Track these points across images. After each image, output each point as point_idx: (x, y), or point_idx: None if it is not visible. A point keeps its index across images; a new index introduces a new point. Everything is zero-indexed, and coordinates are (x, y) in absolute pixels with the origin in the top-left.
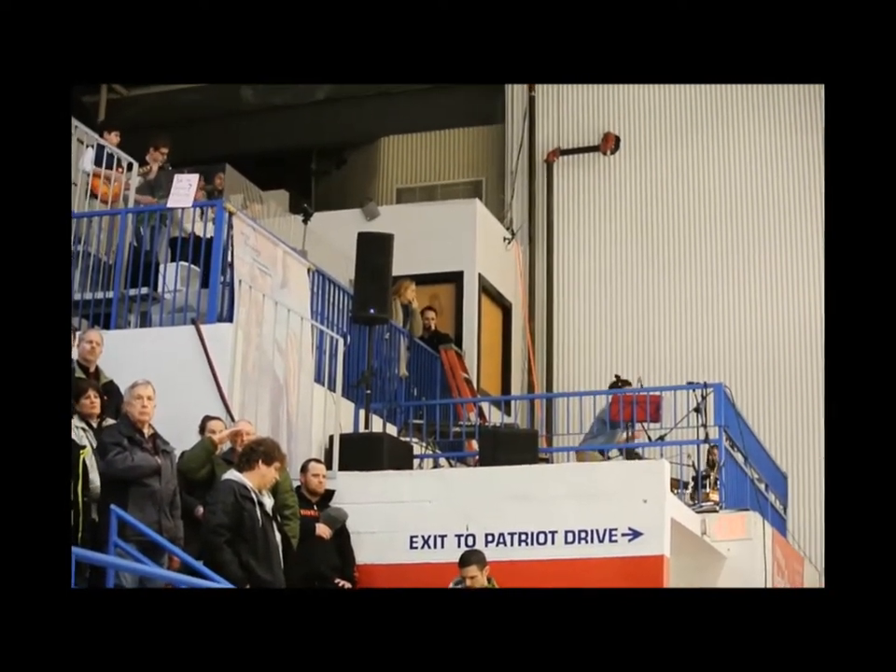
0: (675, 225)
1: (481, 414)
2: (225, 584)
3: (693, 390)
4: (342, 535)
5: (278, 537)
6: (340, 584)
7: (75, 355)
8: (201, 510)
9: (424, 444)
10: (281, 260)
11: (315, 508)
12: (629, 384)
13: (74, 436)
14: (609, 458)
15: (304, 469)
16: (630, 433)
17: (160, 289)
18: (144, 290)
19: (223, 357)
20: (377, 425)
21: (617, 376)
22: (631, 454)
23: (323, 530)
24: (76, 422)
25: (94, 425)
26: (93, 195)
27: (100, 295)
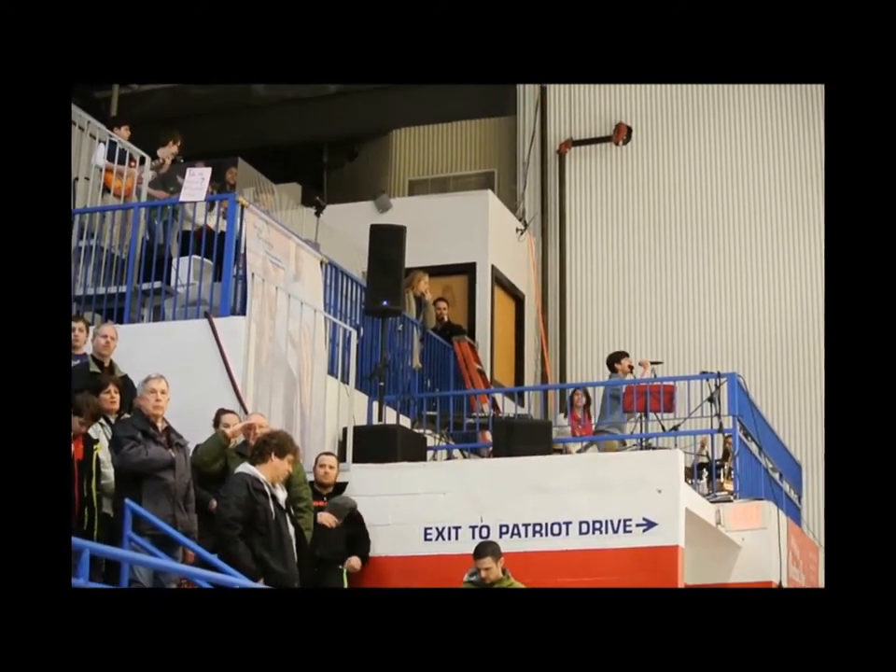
0: (687, 214)
1: (494, 405)
2: (240, 578)
3: (707, 380)
4: (352, 523)
5: (292, 529)
6: (348, 564)
7: (89, 349)
8: (214, 503)
9: (437, 436)
10: (294, 253)
11: (325, 499)
12: (626, 355)
13: (90, 430)
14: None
15: (315, 461)
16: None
17: (173, 283)
18: (157, 284)
19: (236, 350)
20: (391, 416)
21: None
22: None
23: (326, 518)
24: None
25: (112, 420)
26: (106, 189)
27: (113, 289)
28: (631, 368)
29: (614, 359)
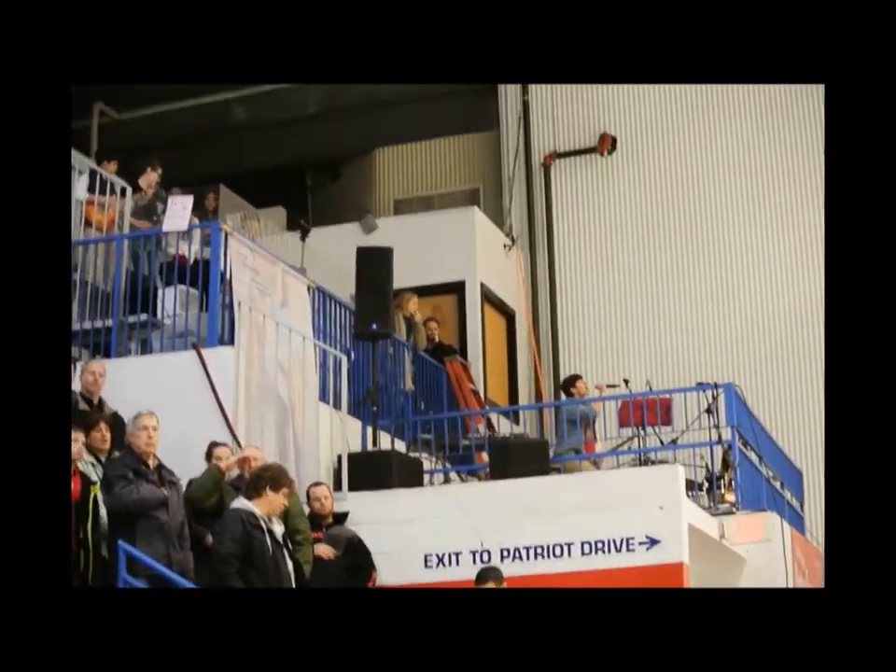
0: (675, 224)
1: (489, 425)
2: None
3: (704, 391)
4: (352, 553)
5: (290, 564)
6: None
7: (77, 386)
8: (210, 538)
9: (433, 459)
10: (280, 279)
11: (324, 530)
12: (579, 377)
13: (84, 470)
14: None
15: (307, 495)
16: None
17: (159, 315)
18: (143, 317)
19: (226, 381)
20: (385, 441)
21: (626, 380)
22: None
23: (323, 550)
24: (86, 456)
25: (103, 459)
26: (87, 223)
27: (99, 323)
28: (606, 386)
29: (569, 384)
